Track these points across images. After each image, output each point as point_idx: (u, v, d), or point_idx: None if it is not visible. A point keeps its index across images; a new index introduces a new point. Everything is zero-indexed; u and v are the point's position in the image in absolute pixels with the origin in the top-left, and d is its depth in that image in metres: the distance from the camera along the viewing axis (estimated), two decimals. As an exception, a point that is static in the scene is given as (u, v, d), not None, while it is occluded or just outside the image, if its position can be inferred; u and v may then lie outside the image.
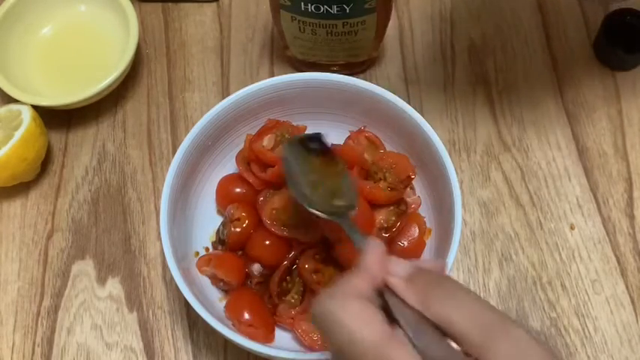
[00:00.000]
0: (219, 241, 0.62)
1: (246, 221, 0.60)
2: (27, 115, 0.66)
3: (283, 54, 0.75)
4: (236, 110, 0.62)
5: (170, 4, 0.79)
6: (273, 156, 0.60)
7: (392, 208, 0.60)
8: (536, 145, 0.70)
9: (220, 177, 0.64)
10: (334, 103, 0.64)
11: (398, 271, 0.41)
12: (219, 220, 0.64)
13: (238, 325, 0.56)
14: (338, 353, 0.39)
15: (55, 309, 0.64)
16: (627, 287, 0.63)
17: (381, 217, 0.59)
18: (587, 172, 0.68)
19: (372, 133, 0.64)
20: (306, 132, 0.63)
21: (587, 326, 0.62)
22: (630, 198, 0.67)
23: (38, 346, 0.62)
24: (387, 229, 0.59)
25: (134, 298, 0.64)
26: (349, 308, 0.39)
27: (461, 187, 0.56)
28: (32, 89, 0.71)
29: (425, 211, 0.62)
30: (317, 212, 0.52)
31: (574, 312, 0.62)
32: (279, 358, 0.52)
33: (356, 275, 0.42)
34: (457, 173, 0.58)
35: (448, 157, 0.58)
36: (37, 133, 0.66)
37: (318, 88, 0.63)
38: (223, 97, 0.62)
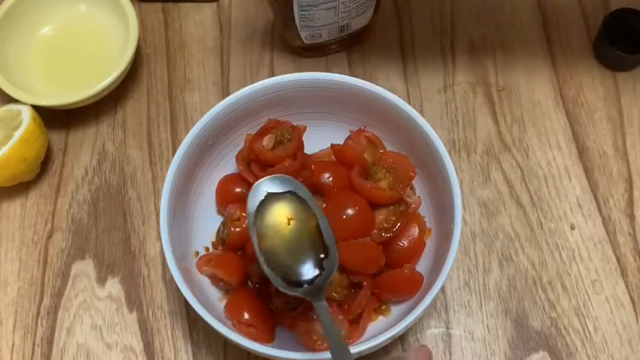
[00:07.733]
0: (220, 241, 0.62)
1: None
2: (27, 115, 0.66)
3: (283, 54, 0.75)
4: (236, 110, 0.62)
5: (170, 4, 0.79)
6: (273, 156, 0.60)
7: (392, 208, 0.60)
8: (537, 145, 0.70)
9: (220, 177, 0.64)
10: (334, 103, 0.64)
11: None
12: (219, 220, 0.64)
13: (238, 325, 0.56)
14: None
15: (54, 309, 0.64)
16: (627, 287, 0.63)
17: (381, 217, 0.59)
18: (588, 172, 0.68)
19: (372, 133, 0.64)
20: (305, 134, 0.63)
21: (587, 326, 0.62)
22: (630, 198, 0.67)
23: (38, 346, 0.62)
24: (387, 229, 0.59)
25: (134, 298, 0.64)
26: None
27: (461, 187, 0.56)
28: (32, 89, 0.71)
29: (425, 211, 0.62)
30: (285, 290, 0.50)
31: (574, 312, 0.62)
32: (279, 358, 0.52)
33: None
34: (457, 173, 0.58)
35: (448, 157, 0.58)
36: (37, 133, 0.66)
37: (318, 88, 0.63)
38: (223, 97, 0.62)
